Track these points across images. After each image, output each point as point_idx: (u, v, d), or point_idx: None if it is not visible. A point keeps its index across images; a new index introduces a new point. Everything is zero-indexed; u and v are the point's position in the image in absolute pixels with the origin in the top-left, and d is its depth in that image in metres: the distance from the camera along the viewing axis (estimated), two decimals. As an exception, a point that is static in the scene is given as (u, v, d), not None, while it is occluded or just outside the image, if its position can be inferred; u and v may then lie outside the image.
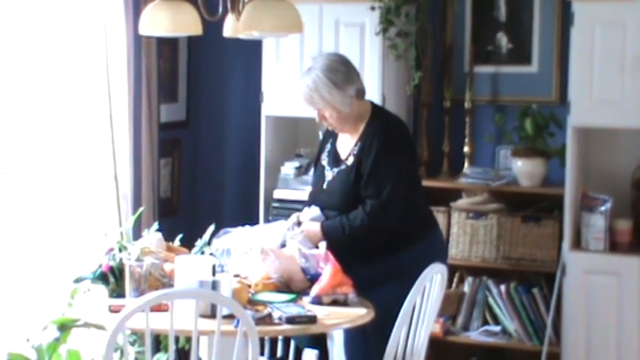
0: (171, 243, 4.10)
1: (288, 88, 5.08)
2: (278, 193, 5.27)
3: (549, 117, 4.99)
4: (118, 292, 3.76)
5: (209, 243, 4.09)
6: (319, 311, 3.64)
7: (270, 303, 3.67)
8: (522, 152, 5.01)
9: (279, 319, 3.53)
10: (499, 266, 5.05)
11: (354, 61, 4.30)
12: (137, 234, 4.26)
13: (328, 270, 3.80)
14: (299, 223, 4.17)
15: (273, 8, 3.62)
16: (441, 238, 4.43)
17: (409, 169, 4.18)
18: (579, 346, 4.73)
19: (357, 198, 4.10)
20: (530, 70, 5.23)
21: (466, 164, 5.24)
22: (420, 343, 3.84)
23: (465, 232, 5.09)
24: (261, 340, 3.41)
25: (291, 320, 3.51)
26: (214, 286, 3.52)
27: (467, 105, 5.23)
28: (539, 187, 5.00)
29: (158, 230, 4.11)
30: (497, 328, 5.06)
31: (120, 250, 3.86)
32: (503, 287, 5.00)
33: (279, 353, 4.43)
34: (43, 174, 4.67)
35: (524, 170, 5.00)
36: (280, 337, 4.42)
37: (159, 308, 3.32)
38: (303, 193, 4.94)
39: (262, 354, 4.45)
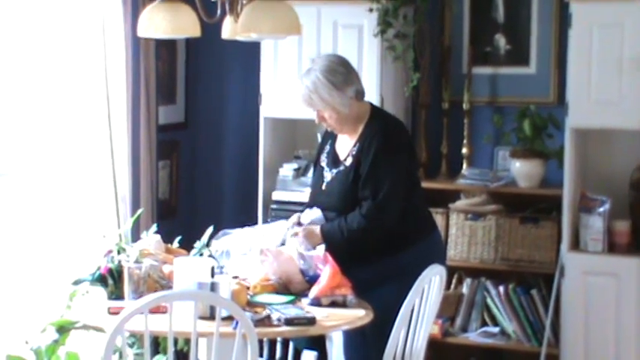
0: (169, 245, 4.10)
1: (286, 90, 5.08)
2: (277, 195, 5.27)
3: (547, 118, 4.99)
4: (116, 294, 3.76)
5: (208, 245, 4.10)
6: (318, 313, 3.64)
7: (269, 304, 3.67)
8: (521, 153, 5.01)
9: (278, 320, 3.53)
10: (497, 267, 5.05)
11: (353, 62, 4.29)
12: (136, 236, 4.26)
13: (327, 271, 3.80)
14: (299, 224, 4.17)
15: (271, 10, 3.62)
16: (440, 239, 4.43)
17: (408, 169, 4.18)
18: (578, 347, 4.73)
19: (356, 199, 4.10)
20: (529, 72, 5.23)
21: (464, 165, 5.24)
22: (419, 344, 3.84)
23: (463, 234, 5.09)
24: (260, 342, 3.41)
25: (290, 322, 3.51)
26: (213, 287, 3.52)
27: (465, 106, 5.23)
28: (537, 188, 5.00)
29: (157, 232, 4.11)
30: (496, 330, 5.06)
31: (118, 252, 3.85)
32: (501, 288, 5.00)
33: (277, 355, 4.43)
34: (41, 176, 4.67)
35: (522, 171, 5.00)
36: (279, 339, 4.41)
37: (158, 310, 3.31)
38: (302, 194, 4.94)
39: (261, 356, 4.45)
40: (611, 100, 4.66)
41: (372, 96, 4.71)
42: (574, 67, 4.72)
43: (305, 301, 3.77)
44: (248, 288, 3.81)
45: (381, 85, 5.05)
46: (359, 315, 3.73)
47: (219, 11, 3.81)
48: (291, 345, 4.41)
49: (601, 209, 4.72)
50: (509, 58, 5.27)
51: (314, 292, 3.78)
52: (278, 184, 5.31)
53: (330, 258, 3.85)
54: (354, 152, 4.16)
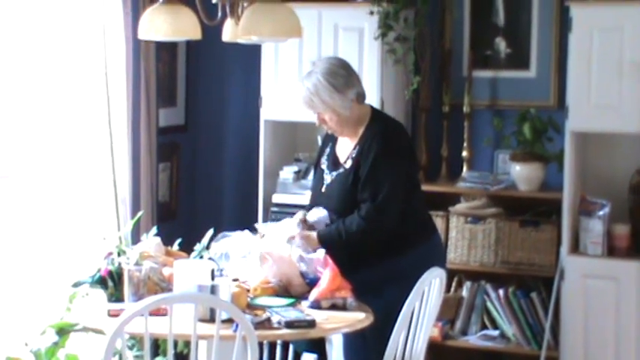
0: (169, 247, 4.09)
1: (287, 93, 5.08)
2: (277, 198, 5.27)
3: (547, 121, 5.00)
4: (116, 297, 3.75)
5: (208, 247, 4.09)
6: (318, 315, 3.63)
7: (269, 307, 3.67)
8: (521, 157, 5.01)
9: (278, 323, 3.52)
10: (497, 270, 5.05)
11: (353, 65, 4.30)
12: (136, 238, 4.26)
13: (327, 274, 3.80)
14: (305, 221, 4.16)
15: (272, 13, 3.62)
16: (440, 242, 4.44)
17: (408, 172, 4.18)
18: (577, 351, 4.73)
19: (355, 201, 4.10)
20: (529, 75, 5.24)
21: (464, 169, 5.25)
22: (419, 347, 3.84)
23: (463, 237, 5.10)
24: (260, 345, 3.41)
25: (290, 324, 3.51)
26: (213, 290, 3.52)
27: (465, 109, 5.24)
28: (537, 191, 5.00)
29: (157, 234, 4.11)
30: (496, 333, 5.06)
31: (119, 255, 3.85)
32: (501, 291, 5.00)
33: (277, 357, 4.42)
34: (42, 178, 4.67)
35: (522, 175, 5.00)
36: (279, 342, 4.41)
37: (158, 312, 3.32)
38: (302, 197, 4.94)
39: (261, 358, 4.44)
40: (611, 103, 4.66)
41: (372, 99, 4.72)
42: (574, 70, 4.72)
43: (305, 304, 3.77)
44: (248, 290, 3.80)
45: (382, 88, 5.05)
46: (359, 318, 3.72)
47: (219, 14, 3.82)
48: (291, 348, 4.41)
49: (601, 213, 4.73)
50: (510, 62, 5.28)
51: (314, 294, 3.78)
52: (278, 186, 5.31)
53: (330, 261, 3.85)
54: (353, 155, 4.16)
